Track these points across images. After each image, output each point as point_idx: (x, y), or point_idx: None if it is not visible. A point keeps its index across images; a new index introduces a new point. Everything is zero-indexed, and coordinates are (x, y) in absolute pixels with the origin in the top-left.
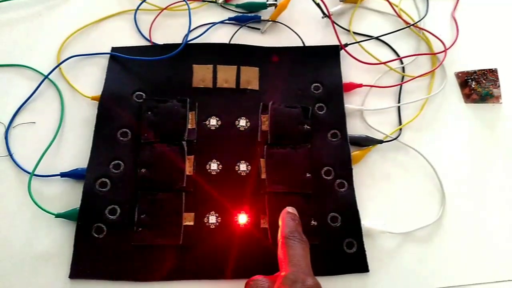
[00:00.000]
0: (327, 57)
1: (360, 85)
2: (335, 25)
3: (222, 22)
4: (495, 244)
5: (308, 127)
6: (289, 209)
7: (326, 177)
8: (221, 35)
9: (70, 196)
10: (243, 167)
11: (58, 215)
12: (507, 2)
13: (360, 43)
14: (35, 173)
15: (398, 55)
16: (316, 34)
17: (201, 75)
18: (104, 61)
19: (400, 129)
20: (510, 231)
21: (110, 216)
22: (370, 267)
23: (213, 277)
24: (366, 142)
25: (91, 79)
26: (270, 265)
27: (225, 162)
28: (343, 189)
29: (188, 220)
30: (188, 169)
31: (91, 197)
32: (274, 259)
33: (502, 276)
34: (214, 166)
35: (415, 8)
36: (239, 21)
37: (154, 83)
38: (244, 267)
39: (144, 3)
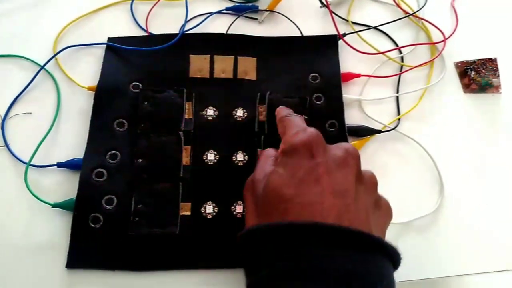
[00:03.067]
0: (325, 47)
1: (358, 75)
2: (333, 14)
3: (219, 12)
4: (493, 233)
5: (306, 117)
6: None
7: None
8: (218, 25)
9: (67, 186)
10: (240, 157)
11: (54, 205)
12: None
13: (359, 33)
14: (32, 163)
15: (396, 45)
16: (314, 24)
17: (198, 65)
18: (100, 52)
19: (399, 119)
20: (508, 221)
21: (107, 206)
22: None
23: (209, 267)
24: (364, 132)
25: (87, 70)
26: None
27: (222, 152)
28: None
29: (185, 210)
30: (185, 159)
31: (87, 187)
32: None
33: (500, 266)
34: (211, 156)
35: None
36: (237, 11)
37: (151, 73)
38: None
39: None
